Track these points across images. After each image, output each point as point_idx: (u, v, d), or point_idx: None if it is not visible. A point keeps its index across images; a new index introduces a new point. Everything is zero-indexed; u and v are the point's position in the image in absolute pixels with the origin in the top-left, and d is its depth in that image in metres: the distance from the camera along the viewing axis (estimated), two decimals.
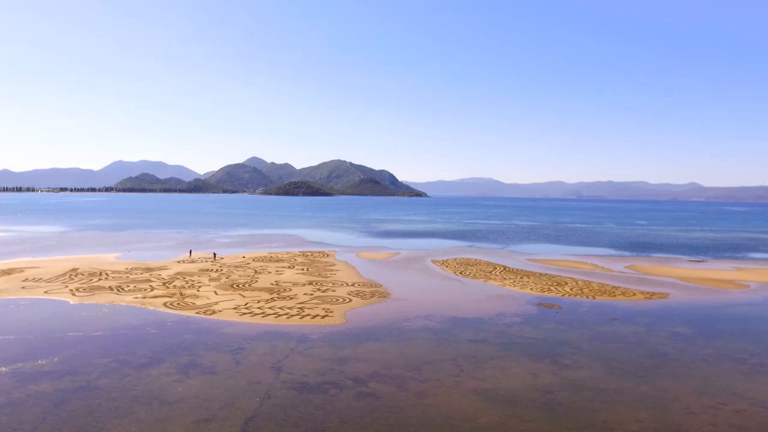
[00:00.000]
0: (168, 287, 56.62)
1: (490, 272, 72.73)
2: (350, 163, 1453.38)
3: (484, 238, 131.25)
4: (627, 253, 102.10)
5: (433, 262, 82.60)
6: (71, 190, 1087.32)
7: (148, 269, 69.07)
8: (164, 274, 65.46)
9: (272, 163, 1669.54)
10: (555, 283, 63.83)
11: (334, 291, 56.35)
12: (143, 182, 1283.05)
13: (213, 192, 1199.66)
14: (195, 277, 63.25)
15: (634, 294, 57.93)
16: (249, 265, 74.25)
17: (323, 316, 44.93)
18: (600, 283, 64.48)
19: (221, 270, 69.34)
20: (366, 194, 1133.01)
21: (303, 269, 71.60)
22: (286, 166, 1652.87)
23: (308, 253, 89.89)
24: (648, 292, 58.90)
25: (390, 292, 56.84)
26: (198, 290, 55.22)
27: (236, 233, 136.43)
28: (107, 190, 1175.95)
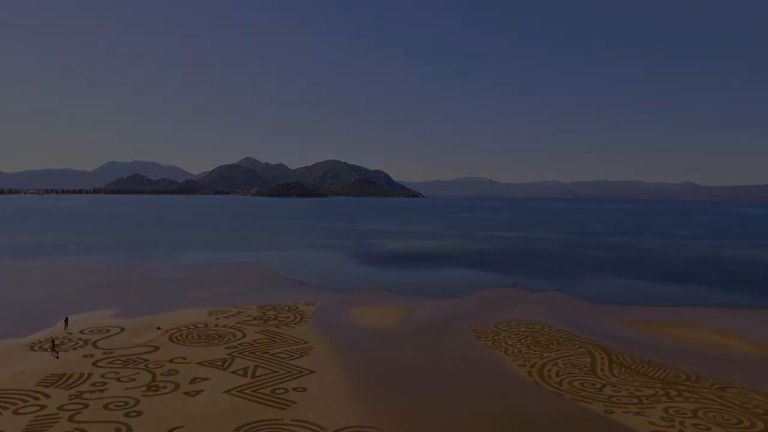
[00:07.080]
0: None
1: (593, 370, 39.65)
2: (345, 163, 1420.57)
3: (522, 267, 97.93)
4: (744, 299, 69.46)
5: (477, 335, 49.37)
6: (58, 191, 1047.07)
7: None
8: None
9: (266, 164, 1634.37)
10: (757, 419, 30.93)
11: None
12: (134, 183, 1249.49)
13: (204, 193, 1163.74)
14: (6, 418, 29.92)
15: None
16: (152, 356, 40.87)
17: None
18: None
19: (84, 380, 35.89)
20: (361, 195, 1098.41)
21: (245, 371, 38.19)
22: (280, 166, 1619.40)
23: (272, 312, 56.49)
24: None
25: None
26: None
27: (187, 261, 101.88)
28: (96, 191, 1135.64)
